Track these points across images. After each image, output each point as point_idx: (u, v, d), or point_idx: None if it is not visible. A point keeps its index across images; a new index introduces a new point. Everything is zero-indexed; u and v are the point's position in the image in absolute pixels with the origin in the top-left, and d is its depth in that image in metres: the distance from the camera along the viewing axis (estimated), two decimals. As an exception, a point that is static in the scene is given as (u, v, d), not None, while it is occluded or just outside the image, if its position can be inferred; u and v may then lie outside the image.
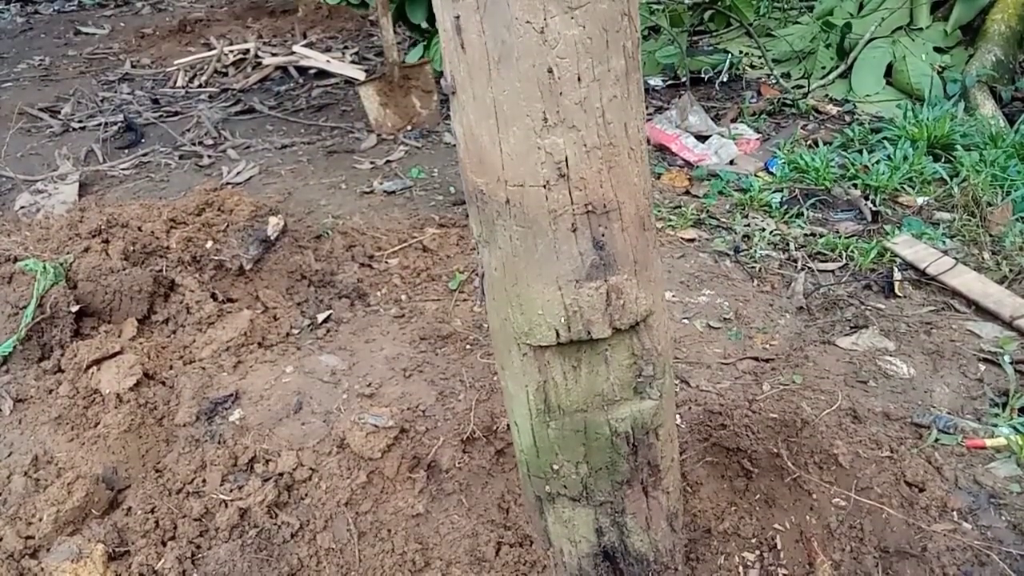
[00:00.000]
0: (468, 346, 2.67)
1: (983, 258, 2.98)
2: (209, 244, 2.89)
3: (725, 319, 2.77)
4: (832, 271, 3.04)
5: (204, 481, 2.17)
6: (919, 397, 2.32)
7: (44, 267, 2.63)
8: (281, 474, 2.16)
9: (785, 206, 3.52)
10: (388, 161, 4.30)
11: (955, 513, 1.90)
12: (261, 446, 2.24)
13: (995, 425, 2.18)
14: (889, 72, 4.73)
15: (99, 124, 5.14)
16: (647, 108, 4.68)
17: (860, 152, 3.91)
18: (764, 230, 3.32)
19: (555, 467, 1.56)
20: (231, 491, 2.13)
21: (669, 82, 5.18)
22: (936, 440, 2.11)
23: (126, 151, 4.77)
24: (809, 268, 3.06)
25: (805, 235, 3.29)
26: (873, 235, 3.24)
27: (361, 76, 5.42)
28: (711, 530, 2.03)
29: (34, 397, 2.45)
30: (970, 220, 3.20)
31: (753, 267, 3.09)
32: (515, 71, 1.11)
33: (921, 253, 3.00)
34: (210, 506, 2.11)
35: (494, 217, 1.28)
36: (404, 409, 2.33)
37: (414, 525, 2.07)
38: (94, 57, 6.91)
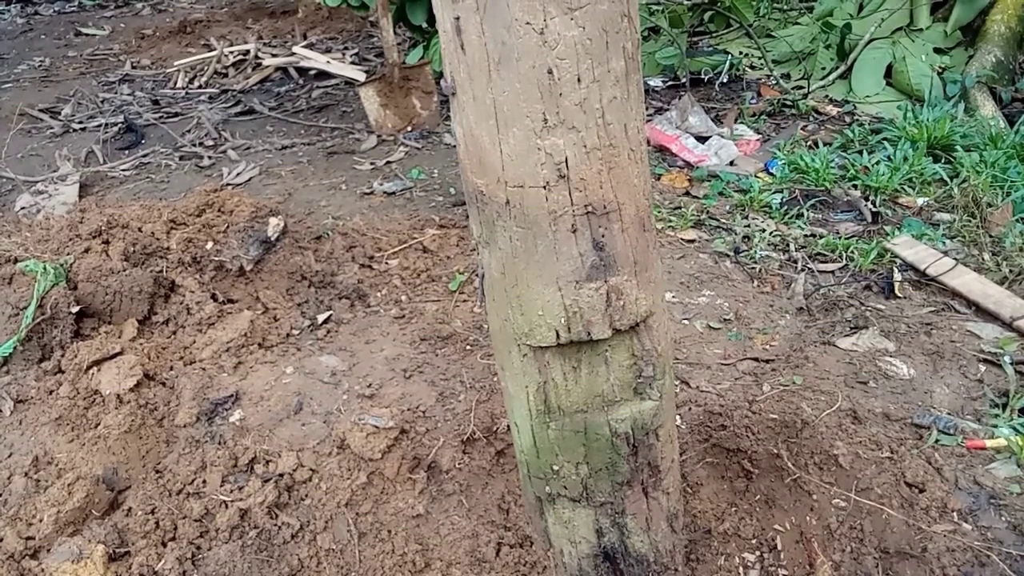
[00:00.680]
0: (468, 347, 2.67)
1: (983, 259, 2.98)
2: (209, 245, 2.89)
3: (725, 320, 2.77)
4: (832, 272, 3.04)
5: (204, 482, 2.17)
6: (919, 398, 2.32)
7: (44, 268, 2.63)
8: (281, 475, 2.16)
9: (785, 207, 3.52)
10: (388, 162, 4.30)
11: (955, 514, 1.90)
12: (261, 447, 2.24)
13: (995, 426, 2.18)
14: (889, 73, 4.73)
15: (99, 125, 5.15)
16: (647, 109, 4.68)
17: (860, 153, 3.91)
18: (764, 231, 3.33)
19: (555, 468, 1.56)
20: (231, 492, 2.13)
21: (669, 83, 5.18)
22: (936, 441, 2.11)
23: (126, 152, 4.77)
24: (809, 269, 3.06)
25: (805, 236, 3.29)
26: (873, 236, 3.24)
27: (361, 77, 5.42)
28: (711, 531, 2.03)
29: (34, 398, 2.45)
30: (970, 221, 3.20)
31: (753, 268, 3.09)
32: (515, 72, 1.11)
33: (921, 254, 3.00)
34: (210, 507, 2.11)
35: (494, 218, 1.28)
36: (404, 410, 2.33)
37: (414, 526, 2.07)
38: (94, 58, 6.92)
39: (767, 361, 2.53)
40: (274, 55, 6.19)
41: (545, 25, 1.07)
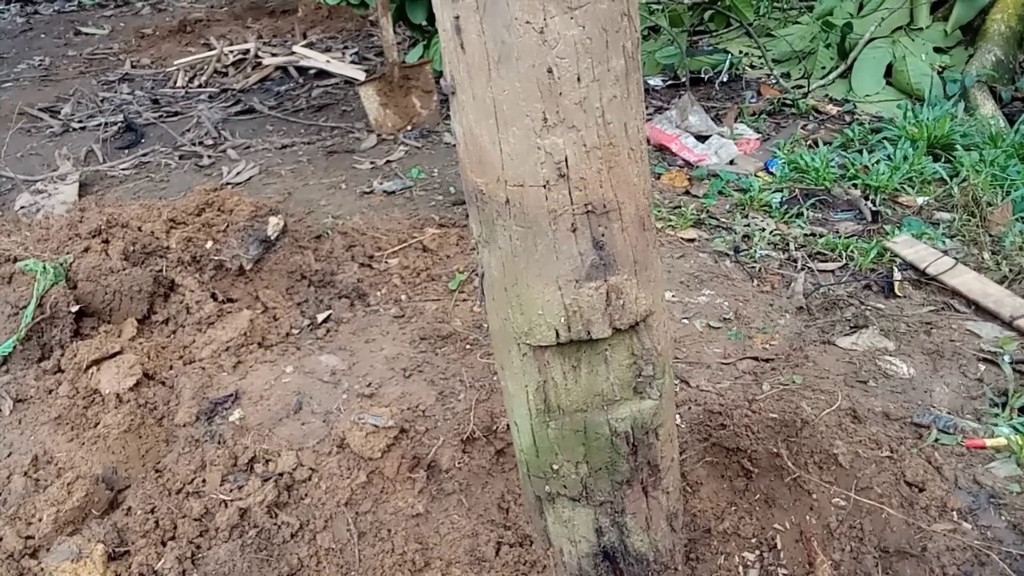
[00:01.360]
0: (468, 346, 2.67)
1: (983, 258, 2.98)
2: (209, 244, 2.89)
3: (725, 319, 2.77)
4: (832, 271, 3.04)
5: (204, 481, 2.17)
6: (919, 397, 2.32)
7: (44, 267, 2.63)
8: (281, 474, 2.16)
9: (785, 206, 3.52)
10: (388, 161, 4.30)
11: (955, 513, 1.90)
12: (261, 446, 2.24)
13: (995, 425, 2.18)
14: (889, 72, 4.73)
15: (99, 124, 5.15)
16: (647, 108, 4.68)
17: (860, 152, 3.91)
18: (764, 230, 3.33)
19: (555, 467, 1.56)
20: (231, 491, 2.13)
21: (669, 82, 5.18)
22: (936, 440, 2.11)
23: (126, 151, 4.77)
24: (809, 268, 3.06)
25: (805, 235, 3.29)
26: (873, 235, 3.24)
27: (361, 76, 5.42)
28: (711, 530, 2.03)
29: (34, 397, 2.45)
30: (970, 220, 3.20)
31: (753, 267, 3.09)
32: (515, 71, 1.11)
33: (921, 253, 3.00)
34: (210, 506, 2.11)
35: (494, 217, 1.28)
36: (404, 409, 2.33)
37: (414, 525, 2.07)
38: (94, 57, 6.92)
39: (767, 360, 2.53)
40: (274, 54, 6.19)
41: (545, 24, 1.07)
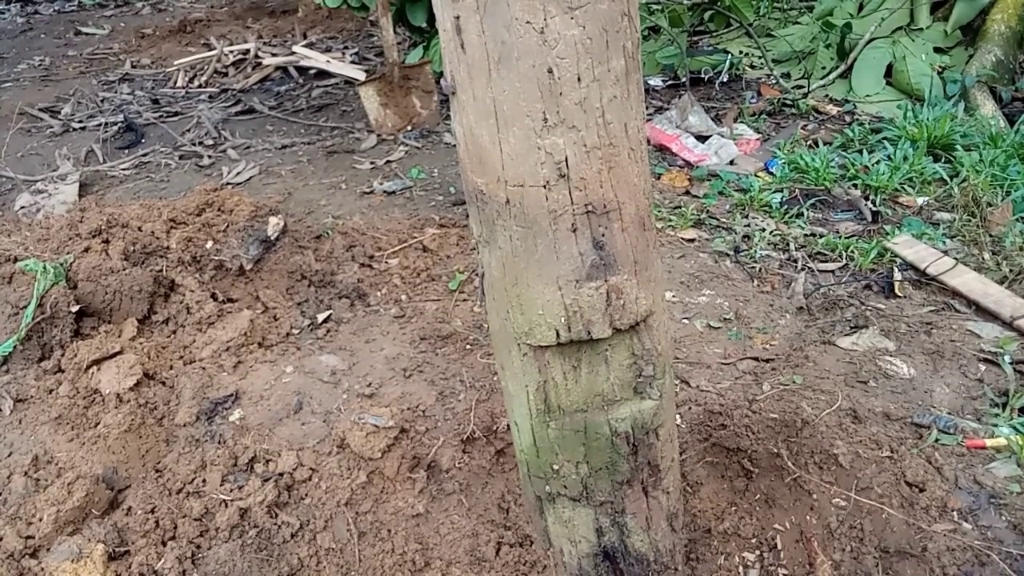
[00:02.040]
0: (468, 346, 2.67)
1: (983, 258, 2.98)
2: (209, 244, 2.89)
3: (725, 319, 2.77)
4: (832, 271, 3.04)
5: (204, 481, 2.17)
6: (919, 397, 2.32)
7: (44, 267, 2.63)
8: (281, 474, 2.16)
9: (785, 206, 3.52)
10: (388, 161, 4.30)
11: (955, 513, 1.90)
12: (261, 446, 2.24)
13: (995, 425, 2.18)
14: (889, 72, 4.73)
15: (99, 124, 5.15)
16: (647, 108, 4.68)
17: (860, 152, 3.91)
18: (764, 230, 3.33)
19: (555, 467, 1.56)
20: (231, 491, 2.13)
21: (669, 82, 5.18)
22: (936, 440, 2.11)
23: (126, 151, 4.77)
24: (809, 268, 3.06)
25: (805, 235, 3.29)
26: (873, 235, 3.24)
27: (361, 76, 5.42)
28: (711, 530, 2.03)
29: (34, 397, 2.45)
30: (970, 220, 3.20)
31: (753, 267, 3.09)
32: (515, 71, 1.11)
33: (921, 253, 3.00)
34: (210, 506, 2.11)
35: (494, 217, 1.28)
36: (404, 409, 2.33)
37: (414, 525, 2.07)
38: (94, 57, 6.92)
39: (767, 360, 2.53)
40: (274, 54, 6.19)
41: (545, 24, 1.07)
